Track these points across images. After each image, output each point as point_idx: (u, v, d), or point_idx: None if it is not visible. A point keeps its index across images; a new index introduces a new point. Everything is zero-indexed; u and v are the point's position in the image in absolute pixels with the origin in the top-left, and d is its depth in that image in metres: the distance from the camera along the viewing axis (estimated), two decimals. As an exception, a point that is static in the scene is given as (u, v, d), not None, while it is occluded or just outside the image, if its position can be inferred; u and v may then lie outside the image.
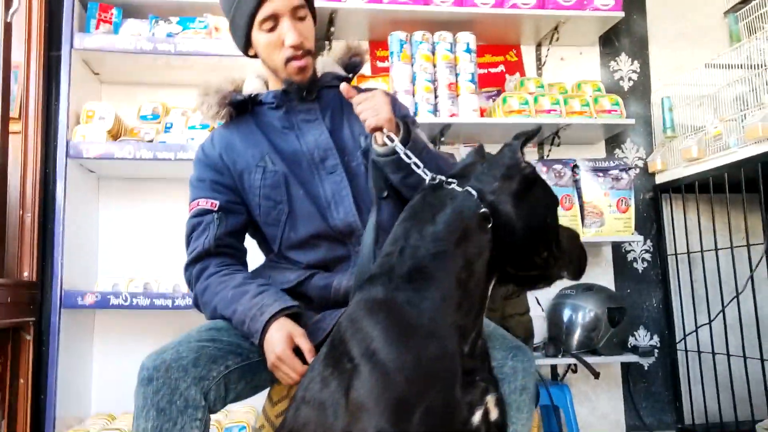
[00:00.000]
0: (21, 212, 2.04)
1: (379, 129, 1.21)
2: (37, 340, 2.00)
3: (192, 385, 1.14)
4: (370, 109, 1.22)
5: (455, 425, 0.90)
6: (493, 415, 0.96)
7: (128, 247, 2.40)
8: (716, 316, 2.42)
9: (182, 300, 2.05)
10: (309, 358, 1.17)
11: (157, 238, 2.40)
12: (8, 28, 2.04)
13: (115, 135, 2.23)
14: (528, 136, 1.07)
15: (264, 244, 1.46)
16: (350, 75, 1.51)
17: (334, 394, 0.95)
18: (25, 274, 2.01)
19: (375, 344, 0.93)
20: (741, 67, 2.52)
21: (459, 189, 1.04)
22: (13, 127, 2.07)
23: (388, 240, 1.07)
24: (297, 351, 1.19)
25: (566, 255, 1.12)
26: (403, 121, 1.24)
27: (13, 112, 2.08)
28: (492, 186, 1.03)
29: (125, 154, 2.12)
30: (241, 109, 1.43)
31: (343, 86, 1.27)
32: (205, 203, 1.38)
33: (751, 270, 2.18)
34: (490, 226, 1.01)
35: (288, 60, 1.33)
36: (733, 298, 2.30)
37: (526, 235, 1.03)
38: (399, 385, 0.89)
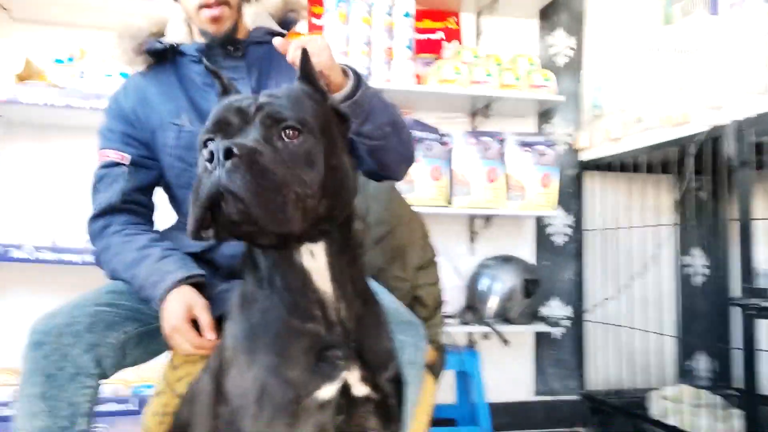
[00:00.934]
0: None
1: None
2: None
3: (84, 352, 1.11)
4: (307, 51, 1.14)
5: (283, 404, 0.91)
6: (359, 390, 0.97)
7: (34, 198, 2.28)
8: (620, 292, 2.54)
9: (91, 257, 1.98)
10: (206, 331, 1.15)
11: (66, 190, 2.29)
12: None
13: (23, 78, 2.09)
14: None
15: (174, 203, 1.42)
16: (285, 31, 1.42)
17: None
18: None
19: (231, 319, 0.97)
20: (672, 50, 2.58)
21: None
22: None
23: None
24: (196, 322, 1.17)
25: None
26: (347, 66, 1.16)
27: None
28: None
29: (33, 99, 2.00)
30: (161, 57, 1.34)
31: (277, 40, 1.17)
32: (114, 155, 1.31)
33: (653, 250, 2.29)
34: None
35: (200, 6, 1.26)
36: (633, 277, 2.41)
37: None
38: (233, 361, 0.94)
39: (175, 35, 1.38)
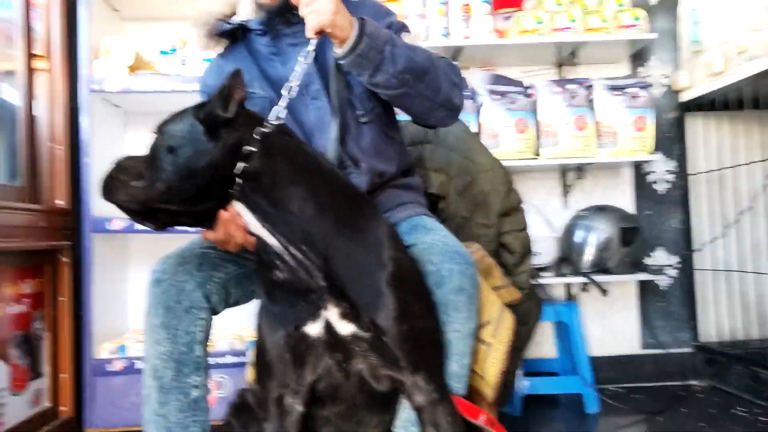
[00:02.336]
0: (51, 145, 2.18)
1: (321, 32, 1.18)
2: (75, 263, 2.18)
3: (196, 287, 1.25)
4: (312, 12, 1.17)
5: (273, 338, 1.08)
6: (344, 328, 1.04)
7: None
8: (728, 228, 2.38)
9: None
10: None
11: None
12: (26, -33, 2.13)
13: (134, 70, 2.32)
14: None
15: None
16: None
17: None
18: (58, 202, 2.17)
19: None
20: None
21: None
22: (40, 64, 2.19)
23: None
24: None
25: None
26: (359, 18, 1.20)
27: (39, 50, 2.19)
28: None
29: (143, 87, 2.21)
30: (233, 37, 1.45)
31: None
32: None
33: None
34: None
35: None
36: (740, 213, 2.25)
37: None
38: None
39: (244, 13, 1.47)
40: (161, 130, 1.08)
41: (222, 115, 1.03)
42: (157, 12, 2.52)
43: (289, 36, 1.40)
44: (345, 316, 1.04)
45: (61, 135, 2.20)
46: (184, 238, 2.23)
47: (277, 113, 1.17)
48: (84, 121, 2.18)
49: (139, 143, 2.72)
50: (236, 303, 1.38)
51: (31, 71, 2.15)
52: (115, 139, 2.47)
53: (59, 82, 2.22)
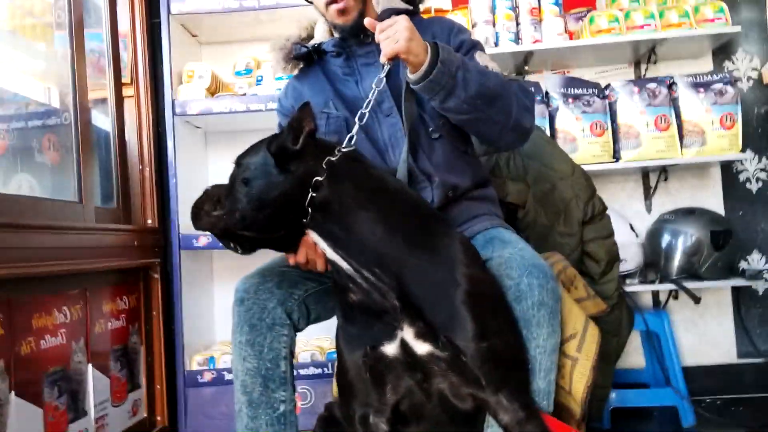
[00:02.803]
0: (141, 167, 2.31)
1: (395, 57, 1.21)
2: (165, 279, 2.29)
3: (277, 305, 1.29)
4: (388, 38, 1.20)
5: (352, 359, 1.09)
6: (420, 348, 1.04)
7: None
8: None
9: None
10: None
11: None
12: (113, 1, 2.26)
13: (213, 92, 2.42)
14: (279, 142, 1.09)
15: None
16: (410, 7, 1.50)
17: None
18: (149, 221, 2.29)
19: None
20: None
21: None
22: (127, 91, 2.32)
23: None
24: None
25: None
26: (433, 43, 1.22)
27: (126, 78, 2.33)
28: None
29: (222, 108, 2.30)
30: (309, 59, 1.50)
31: (367, 21, 1.26)
32: None
33: None
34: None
35: (328, 3, 1.38)
36: None
37: None
38: None
39: (318, 36, 1.53)
40: (239, 162, 1.14)
41: (291, 147, 1.08)
42: (231, 35, 2.62)
43: (363, 56, 1.44)
44: (420, 335, 1.04)
45: (149, 158, 2.33)
46: (265, 254, 2.30)
47: (347, 140, 1.20)
48: (169, 144, 2.30)
49: (220, 161, 2.83)
50: (317, 319, 1.42)
51: (120, 98, 2.29)
52: (198, 159, 2.58)
53: (145, 107, 2.36)
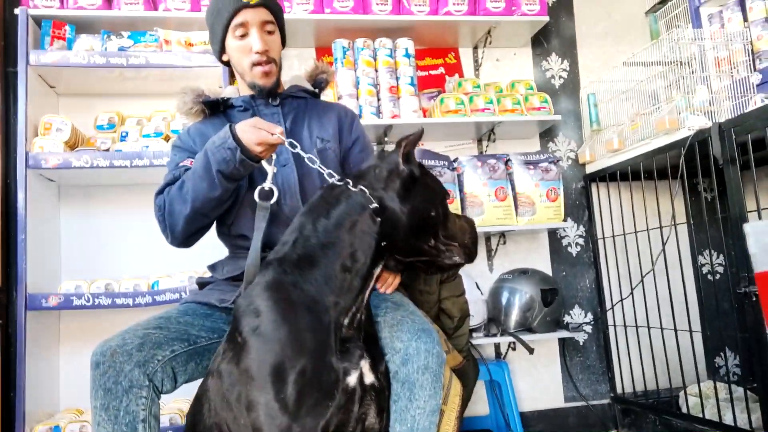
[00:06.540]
0: (-16, 222, 2.15)
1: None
2: (6, 341, 2.12)
3: (135, 367, 1.27)
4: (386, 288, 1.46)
5: (327, 385, 1.09)
6: (368, 378, 1.15)
7: (89, 250, 2.52)
8: (631, 292, 2.65)
9: (142, 299, 2.20)
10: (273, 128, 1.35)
11: (116, 241, 2.54)
12: (-35, 47, 2.15)
13: (72, 145, 2.34)
14: (408, 141, 1.25)
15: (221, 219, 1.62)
16: (316, 90, 1.74)
17: (228, 365, 1.15)
18: (-9, 279, 2.13)
19: (259, 319, 1.12)
20: (659, 64, 2.74)
21: (353, 188, 1.22)
22: (-26, 141, 2.18)
23: (287, 230, 1.25)
24: None
25: (457, 242, 1.31)
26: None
27: (-27, 126, 2.19)
28: (380, 185, 1.21)
29: (82, 163, 2.24)
30: (215, 109, 1.64)
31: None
32: (183, 163, 1.55)
33: (663, 248, 2.41)
34: (378, 219, 1.19)
35: (254, 64, 1.55)
36: (646, 274, 2.52)
37: (412, 226, 1.21)
38: (275, 352, 1.08)
39: (226, 94, 1.69)
40: None
41: None
42: (92, 88, 2.57)
43: (268, 116, 1.61)
44: (372, 367, 1.20)
45: (-5, 212, 2.18)
46: (114, 314, 2.25)
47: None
48: (20, 197, 2.18)
49: (73, 217, 2.70)
50: (190, 379, 1.42)
51: (-34, 148, 2.14)
52: (49, 213, 2.45)
53: (-6, 159, 2.22)
